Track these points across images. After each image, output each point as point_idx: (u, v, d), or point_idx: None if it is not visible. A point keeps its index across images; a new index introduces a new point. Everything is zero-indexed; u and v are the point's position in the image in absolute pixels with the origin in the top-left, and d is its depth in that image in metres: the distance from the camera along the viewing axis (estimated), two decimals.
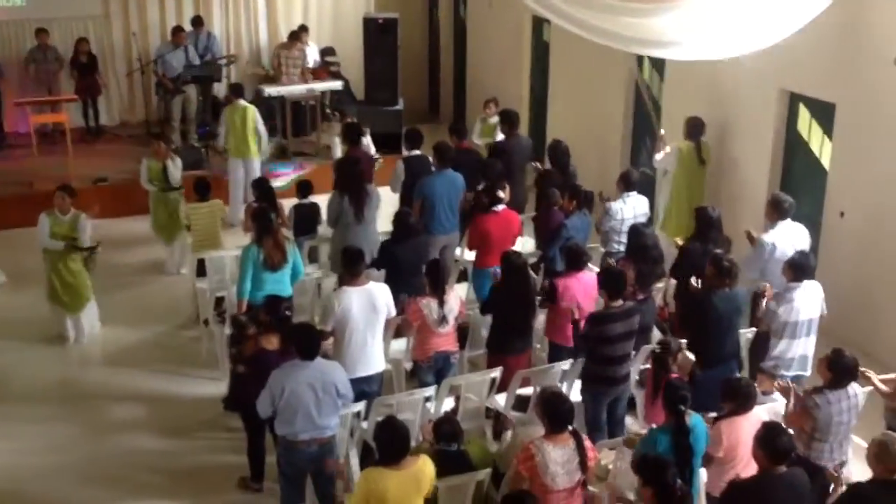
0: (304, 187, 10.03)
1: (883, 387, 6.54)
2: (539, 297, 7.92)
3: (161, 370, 9.06)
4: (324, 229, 10.03)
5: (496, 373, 7.49)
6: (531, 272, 8.25)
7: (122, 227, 11.47)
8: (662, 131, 10.74)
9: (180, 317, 10.10)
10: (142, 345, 9.58)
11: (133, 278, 11.00)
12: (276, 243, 8.09)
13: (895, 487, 5.07)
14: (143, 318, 10.09)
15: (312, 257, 10.12)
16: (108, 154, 13.65)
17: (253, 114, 12.11)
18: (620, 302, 7.11)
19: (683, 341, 7.24)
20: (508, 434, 7.12)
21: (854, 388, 6.17)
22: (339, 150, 11.53)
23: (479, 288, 9.02)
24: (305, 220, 9.88)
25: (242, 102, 12.19)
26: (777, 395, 7.02)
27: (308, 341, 6.27)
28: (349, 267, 7.28)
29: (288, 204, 10.02)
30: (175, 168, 10.69)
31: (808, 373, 7.38)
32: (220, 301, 8.97)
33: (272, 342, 6.86)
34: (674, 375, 6.66)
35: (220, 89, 14.71)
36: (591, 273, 7.92)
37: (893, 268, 8.82)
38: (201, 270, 9.58)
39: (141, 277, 11.05)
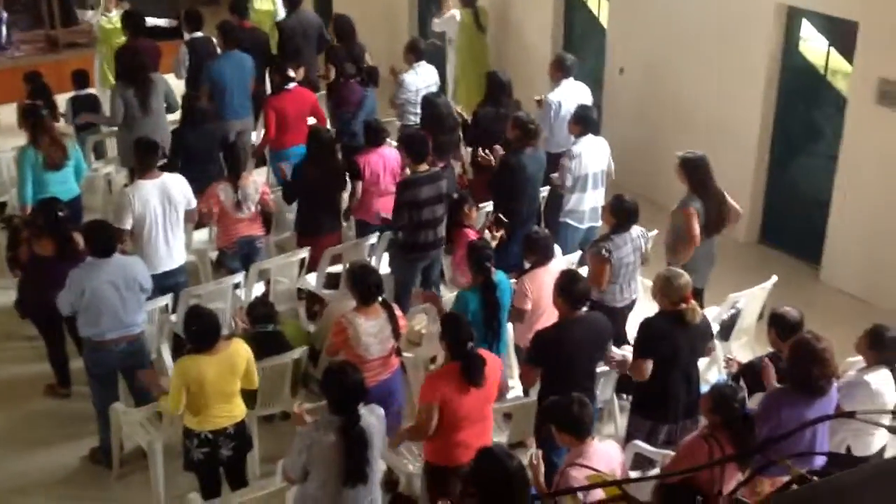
0: (80, 77, 9.42)
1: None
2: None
3: None
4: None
5: (304, 253, 7.49)
6: None
7: None
8: None
9: None
10: None
11: None
12: (52, 141, 7.63)
13: (680, 317, 5.49)
14: None
15: (99, 153, 9.64)
16: None
17: None
18: (425, 166, 7.19)
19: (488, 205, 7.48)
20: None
21: (636, 230, 6.57)
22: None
23: (278, 172, 8.89)
24: (85, 112, 9.32)
25: None
26: None
27: (103, 238, 6.05)
28: (142, 159, 6.99)
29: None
30: None
31: (600, 223, 7.81)
32: (2, 206, 8.42)
33: (45, 247, 6.51)
34: (469, 231, 6.89)
35: None
36: (390, 148, 7.96)
37: (670, 119, 9.37)
38: None
39: None
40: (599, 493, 1.99)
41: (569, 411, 4.67)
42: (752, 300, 6.88)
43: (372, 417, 4.82)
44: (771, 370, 5.33)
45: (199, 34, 9.88)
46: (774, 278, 6.97)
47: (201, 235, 8.05)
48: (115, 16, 10.71)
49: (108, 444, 6.29)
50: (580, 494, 3.81)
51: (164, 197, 6.92)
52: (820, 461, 4.96)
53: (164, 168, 7.24)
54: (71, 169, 7.78)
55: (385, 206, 7.69)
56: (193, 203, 7.19)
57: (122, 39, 9.96)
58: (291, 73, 8.82)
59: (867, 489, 1.62)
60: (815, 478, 1.80)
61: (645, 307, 6.55)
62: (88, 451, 6.49)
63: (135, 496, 6.19)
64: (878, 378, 5.24)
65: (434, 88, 9.22)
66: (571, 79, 8.52)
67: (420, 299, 6.87)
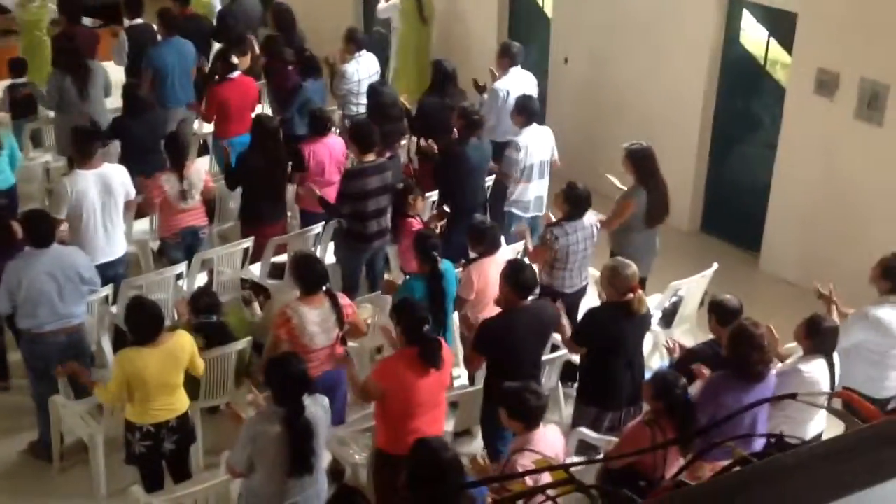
0: (17, 65, 9.21)
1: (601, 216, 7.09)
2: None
3: None
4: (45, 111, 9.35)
5: (248, 243, 7.41)
6: None
7: None
8: None
9: None
10: None
11: None
12: None
13: (626, 307, 5.54)
14: None
15: (37, 141, 9.44)
16: None
17: None
18: (372, 156, 7.14)
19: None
20: (255, 307, 7.05)
21: (588, 218, 6.61)
22: None
23: (221, 159, 8.80)
24: (23, 100, 9.12)
25: None
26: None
27: (40, 228, 5.93)
28: (80, 148, 6.85)
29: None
30: None
31: (544, 212, 7.84)
32: None
33: None
34: (413, 221, 6.88)
35: None
36: (335, 137, 7.91)
37: (613, 108, 9.44)
38: None
39: None
40: (546, 477, 2.01)
41: (524, 400, 4.69)
42: (693, 288, 6.98)
43: (317, 408, 4.79)
44: (703, 373, 5.38)
45: (139, 20, 9.70)
46: (715, 266, 7.07)
47: (142, 225, 7.93)
48: (37, 5, 10.44)
49: (48, 438, 6.17)
50: (528, 479, 3.82)
51: (104, 187, 6.80)
52: (760, 444, 5.05)
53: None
54: (5, 158, 7.62)
55: (329, 196, 7.64)
56: (132, 193, 7.08)
57: (44, 30, 9.74)
58: (235, 61, 8.72)
59: (806, 470, 1.65)
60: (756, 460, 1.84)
61: (595, 296, 6.61)
62: (28, 444, 6.36)
63: (76, 490, 6.08)
64: (812, 367, 5.31)
65: (376, 78, 9.18)
66: (519, 67, 8.54)
67: (386, 288, 6.82)
